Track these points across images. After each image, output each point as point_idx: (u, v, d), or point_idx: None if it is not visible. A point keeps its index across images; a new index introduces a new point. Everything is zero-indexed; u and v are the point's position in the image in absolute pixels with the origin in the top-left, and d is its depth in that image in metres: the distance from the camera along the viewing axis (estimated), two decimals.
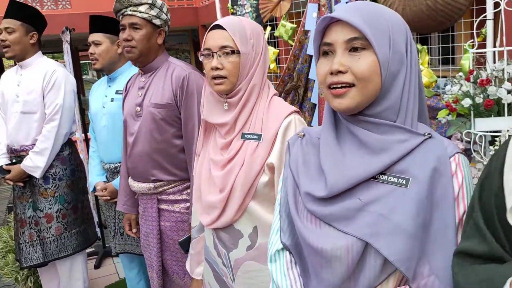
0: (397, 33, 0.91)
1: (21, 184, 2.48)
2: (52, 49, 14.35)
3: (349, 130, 0.95)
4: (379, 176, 0.91)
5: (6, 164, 2.47)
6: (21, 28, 2.44)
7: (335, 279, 0.91)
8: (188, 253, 1.75)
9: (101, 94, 2.46)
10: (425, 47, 2.58)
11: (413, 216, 0.85)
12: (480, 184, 0.81)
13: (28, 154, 2.44)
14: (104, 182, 2.44)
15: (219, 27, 1.37)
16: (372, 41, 0.87)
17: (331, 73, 0.90)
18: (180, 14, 12.82)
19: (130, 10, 1.88)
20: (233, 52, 1.36)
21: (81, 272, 2.67)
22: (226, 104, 1.41)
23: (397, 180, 0.88)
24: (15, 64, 2.61)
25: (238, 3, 3.60)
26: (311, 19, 3.02)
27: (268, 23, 3.38)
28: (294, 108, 1.41)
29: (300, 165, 1.02)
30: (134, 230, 2.15)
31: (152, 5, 1.90)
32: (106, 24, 2.43)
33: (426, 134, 0.91)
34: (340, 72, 0.89)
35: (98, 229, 3.65)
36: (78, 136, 3.88)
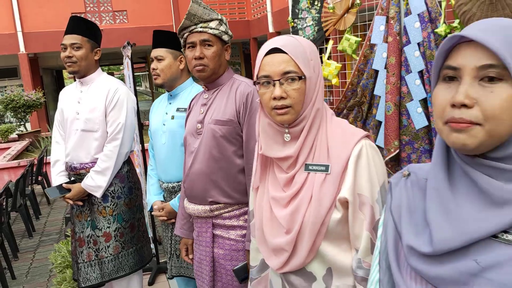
0: None
1: (80, 203, 2.46)
2: (108, 61, 14.94)
3: (466, 174, 0.78)
4: (502, 235, 0.73)
5: (66, 183, 2.46)
6: (87, 45, 2.44)
7: None
8: (242, 283, 1.60)
9: (162, 111, 2.41)
10: None
11: None
12: None
13: (87, 172, 2.42)
14: (162, 201, 2.38)
15: (277, 50, 1.22)
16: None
17: (453, 105, 0.74)
18: (232, 27, 12.96)
19: (201, 27, 1.81)
20: (299, 78, 1.21)
21: None
22: (288, 135, 1.25)
23: None
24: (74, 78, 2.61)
25: (299, 16, 3.48)
26: (378, 32, 2.85)
27: (331, 37, 3.23)
28: (363, 132, 1.24)
29: (404, 212, 0.86)
30: (190, 256, 2.05)
31: (221, 21, 1.83)
32: (169, 39, 2.38)
33: None
34: (464, 105, 0.73)
35: (152, 245, 3.62)
36: (135, 149, 3.88)
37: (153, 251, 3.65)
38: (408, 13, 2.69)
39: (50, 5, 11.43)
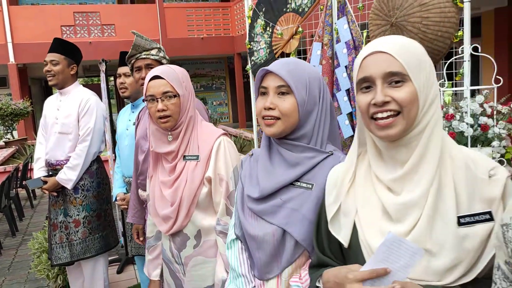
0: (312, 83, 1.26)
1: (55, 194, 2.92)
2: (96, 73, 15.37)
3: (277, 150, 1.30)
4: (295, 183, 1.26)
5: (44, 176, 2.93)
6: (64, 61, 2.93)
7: (265, 258, 1.28)
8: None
9: (126, 119, 2.90)
10: None
11: (314, 210, 1.21)
12: (320, 204, 1.17)
13: (62, 168, 2.89)
14: (124, 193, 2.85)
15: (157, 77, 1.67)
16: (292, 88, 1.22)
17: (265, 108, 1.25)
18: (217, 42, 13.53)
19: (144, 54, 2.32)
20: (174, 96, 1.68)
21: (102, 272, 3.07)
22: (171, 136, 1.72)
23: (306, 185, 1.24)
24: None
25: (255, 39, 4.00)
26: (315, 56, 3.37)
27: (280, 58, 3.75)
28: (221, 131, 1.75)
29: (247, 176, 1.38)
30: (141, 239, 2.50)
31: (159, 49, 2.35)
32: None
33: (330, 152, 1.26)
34: (270, 108, 1.24)
35: (122, 238, 4.06)
36: (110, 154, 4.34)
37: (122, 243, 4.10)
38: (338, 40, 3.20)
39: (41, 18, 11.82)
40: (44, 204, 7.14)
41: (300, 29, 3.53)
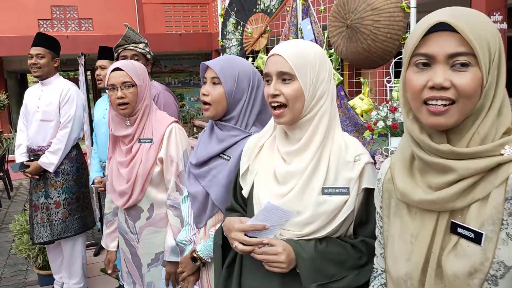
0: (242, 77, 1.57)
1: (37, 177, 3.13)
2: (73, 67, 15.32)
3: (213, 129, 1.64)
4: (221, 155, 1.59)
5: (26, 161, 3.14)
6: (49, 55, 3.14)
7: (197, 211, 1.64)
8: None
9: (103, 108, 3.14)
10: (366, 80, 3.20)
11: (227, 176, 1.54)
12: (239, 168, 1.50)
13: (43, 153, 3.10)
14: (101, 177, 3.08)
15: (118, 69, 1.93)
16: (222, 80, 1.55)
17: (202, 95, 1.60)
18: (195, 39, 13.70)
19: (132, 46, 2.58)
20: (132, 85, 1.93)
21: (80, 251, 3.30)
22: (128, 121, 1.98)
23: (226, 157, 1.57)
24: (38, 81, 3.31)
25: (227, 37, 4.27)
26: None
27: (250, 55, 4.03)
28: (173, 119, 2.03)
29: (194, 150, 1.71)
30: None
31: (147, 44, 2.61)
32: (111, 53, 3.11)
33: (250, 133, 1.56)
34: (204, 95, 1.59)
35: (99, 223, 4.28)
36: (88, 143, 4.54)
37: (99, 226, 4.32)
38: (302, 39, 3.49)
39: (18, 11, 11.75)
40: (21, 195, 7.26)
41: (268, 28, 3.81)
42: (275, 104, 1.25)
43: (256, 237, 1.24)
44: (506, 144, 0.90)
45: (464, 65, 0.86)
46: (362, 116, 2.99)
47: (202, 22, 14.12)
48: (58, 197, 3.13)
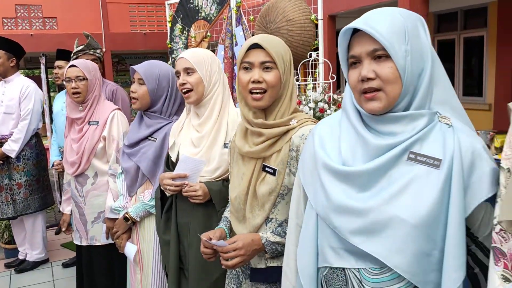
0: (162, 77, 2.12)
1: (1, 162, 3.62)
2: (38, 65, 15.41)
3: (143, 117, 2.19)
4: (149, 137, 2.16)
5: None
6: (4, 56, 3.63)
7: (129, 182, 2.23)
8: None
9: (61, 101, 3.65)
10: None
11: (154, 152, 2.11)
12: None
13: (7, 141, 3.59)
14: (60, 160, 3.59)
15: (74, 65, 2.47)
16: (145, 80, 2.09)
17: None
18: (159, 39, 13.99)
19: (92, 51, 3.15)
20: (84, 79, 2.48)
21: (41, 226, 3.81)
22: (81, 107, 2.53)
23: (153, 139, 2.14)
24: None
25: (174, 40, 4.81)
26: (220, 55, 4.21)
27: None
28: (116, 106, 2.57)
29: (128, 134, 2.27)
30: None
31: (101, 50, 3.18)
32: (67, 54, 3.62)
33: (173, 120, 2.14)
34: (132, 92, 2.11)
35: (60, 205, 4.75)
36: (49, 135, 5.00)
37: (60, 208, 4.79)
38: (236, 44, 4.07)
39: None
40: None
41: (208, 33, 4.39)
42: (185, 90, 1.86)
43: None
44: (292, 119, 1.52)
45: (268, 68, 1.45)
46: None
47: (157, 22, 14.33)
48: (20, 179, 3.63)
